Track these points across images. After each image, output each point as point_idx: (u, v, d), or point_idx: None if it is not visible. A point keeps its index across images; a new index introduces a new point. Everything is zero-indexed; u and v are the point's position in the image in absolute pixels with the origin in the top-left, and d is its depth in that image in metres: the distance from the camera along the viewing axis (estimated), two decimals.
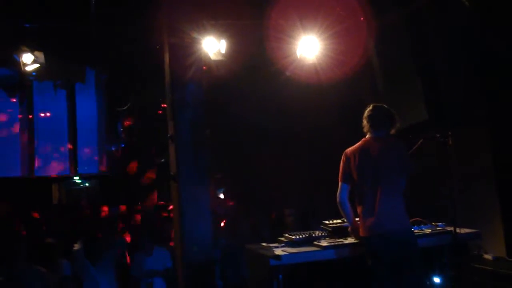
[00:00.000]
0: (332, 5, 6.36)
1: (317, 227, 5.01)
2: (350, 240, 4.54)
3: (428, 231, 4.71)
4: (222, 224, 7.69)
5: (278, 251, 4.39)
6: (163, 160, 10.19)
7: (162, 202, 10.02)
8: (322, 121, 7.48)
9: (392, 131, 4.41)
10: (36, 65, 6.24)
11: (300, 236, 4.66)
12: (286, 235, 4.79)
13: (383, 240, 4.11)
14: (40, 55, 6.22)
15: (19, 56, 6.20)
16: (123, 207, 10.65)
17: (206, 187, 5.78)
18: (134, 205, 10.74)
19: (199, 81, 5.87)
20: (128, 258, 6.78)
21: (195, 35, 5.81)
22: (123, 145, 11.29)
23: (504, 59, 5.21)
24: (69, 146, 10.25)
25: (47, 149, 10.16)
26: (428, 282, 4.66)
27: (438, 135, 4.49)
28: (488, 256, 4.97)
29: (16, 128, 9.98)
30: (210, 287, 5.72)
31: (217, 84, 7.29)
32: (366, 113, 4.44)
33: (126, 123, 11.01)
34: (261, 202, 8.23)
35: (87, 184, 14.69)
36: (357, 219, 4.39)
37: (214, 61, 6.08)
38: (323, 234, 4.77)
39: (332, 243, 4.47)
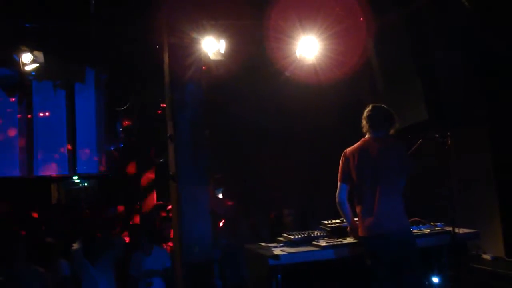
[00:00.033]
0: (332, 5, 6.36)
1: (316, 227, 5.01)
2: (349, 240, 4.54)
3: (427, 231, 4.71)
4: (221, 224, 7.69)
5: (277, 251, 4.39)
6: (162, 160, 10.19)
7: (161, 202, 10.01)
8: (322, 121, 7.47)
9: (392, 131, 4.42)
10: (36, 65, 6.25)
11: (299, 236, 4.66)
12: (285, 235, 4.79)
13: (382, 240, 4.12)
14: (40, 55, 6.23)
15: (19, 56, 6.20)
16: (121, 207, 10.66)
17: (205, 187, 5.78)
18: (133, 205, 10.74)
19: (198, 81, 5.87)
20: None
21: (194, 35, 5.81)
22: (122, 145, 11.28)
23: (504, 59, 5.22)
24: (68, 146, 10.23)
25: (46, 149, 10.15)
26: (427, 282, 4.66)
27: (437, 135, 4.50)
28: (486, 256, 4.98)
29: (15, 128, 9.97)
30: (209, 287, 5.72)
31: (217, 84, 7.29)
32: (365, 113, 4.44)
33: (126, 123, 11.00)
34: (260, 202, 8.22)
35: (86, 184, 14.70)
36: (356, 219, 4.39)
37: (214, 61, 6.09)
38: (322, 234, 4.77)
39: (331, 243, 4.47)
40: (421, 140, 4.61)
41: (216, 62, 6.13)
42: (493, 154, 5.58)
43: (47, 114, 10.13)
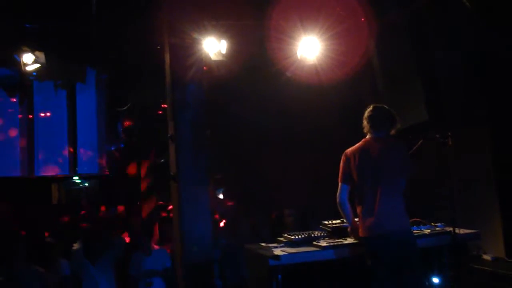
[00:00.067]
0: (333, 5, 6.36)
1: (316, 227, 5.01)
2: (349, 240, 4.53)
3: (427, 231, 4.71)
4: (221, 224, 7.70)
5: (277, 251, 4.38)
6: (163, 160, 10.19)
7: (161, 202, 10.01)
8: (323, 121, 7.48)
9: (392, 132, 4.41)
10: (37, 65, 6.26)
11: (299, 236, 4.65)
12: (286, 235, 4.79)
13: (382, 240, 4.11)
14: (41, 55, 6.24)
15: (20, 56, 6.21)
16: (121, 207, 10.66)
17: (206, 187, 5.79)
18: (133, 205, 10.73)
19: (199, 82, 5.88)
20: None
21: (195, 35, 5.81)
22: (123, 145, 11.29)
23: (504, 59, 5.21)
24: (69, 146, 10.25)
25: (47, 149, 10.16)
26: (427, 283, 4.66)
27: (438, 136, 4.49)
28: (487, 257, 4.98)
29: (16, 128, 9.98)
30: (209, 287, 5.72)
31: (218, 85, 7.30)
32: (366, 114, 4.44)
33: (126, 123, 11.00)
34: (260, 202, 8.22)
35: (86, 184, 14.71)
36: (356, 219, 4.39)
37: (215, 61, 6.09)
38: (322, 234, 4.76)
39: (332, 243, 4.47)
40: (421, 140, 4.61)
41: (217, 62, 6.13)
42: (493, 154, 5.57)
43: (48, 114, 10.15)
